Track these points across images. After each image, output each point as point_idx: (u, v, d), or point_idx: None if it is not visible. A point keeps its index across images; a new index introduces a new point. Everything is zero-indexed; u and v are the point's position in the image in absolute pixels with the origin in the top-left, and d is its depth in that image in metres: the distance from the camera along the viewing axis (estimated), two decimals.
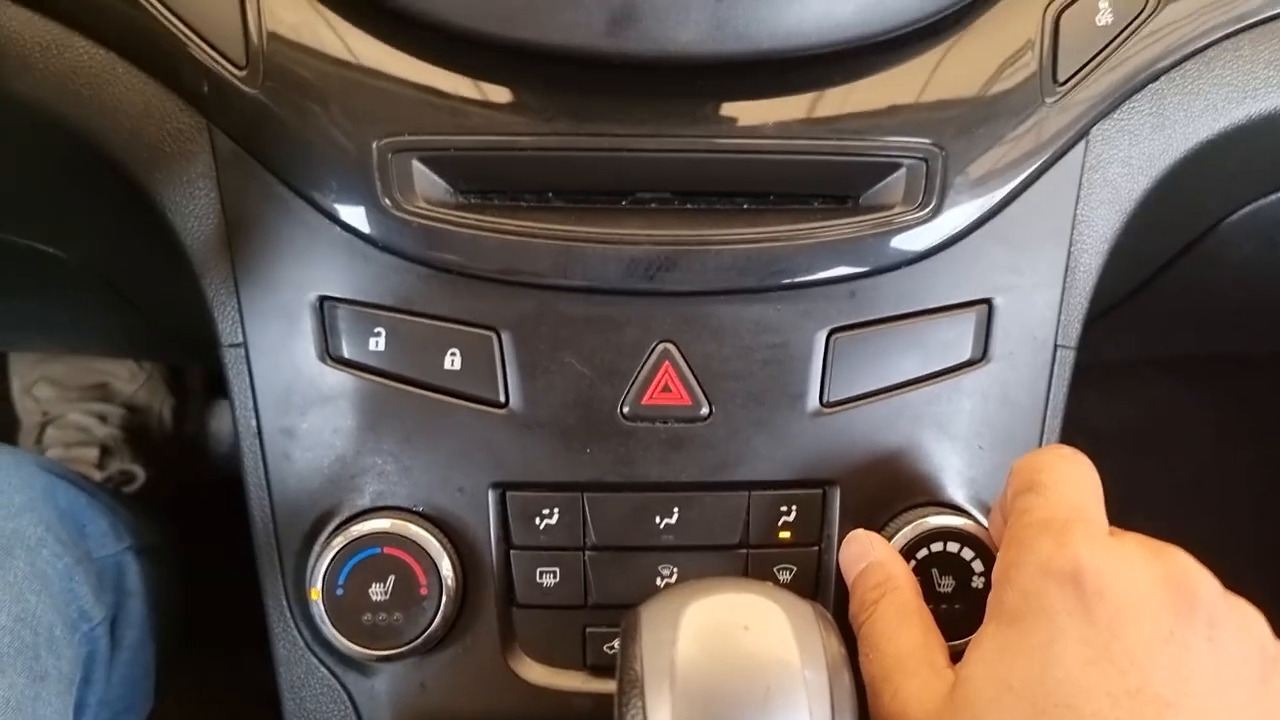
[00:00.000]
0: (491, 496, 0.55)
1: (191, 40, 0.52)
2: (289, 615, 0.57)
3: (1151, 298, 0.75)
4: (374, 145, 0.51)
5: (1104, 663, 0.40)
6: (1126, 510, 0.47)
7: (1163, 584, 0.42)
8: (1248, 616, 0.43)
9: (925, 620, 0.49)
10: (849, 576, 0.53)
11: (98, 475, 1.19)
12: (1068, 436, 0.57)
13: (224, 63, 0.52)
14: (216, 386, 1.28)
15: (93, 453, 1.20)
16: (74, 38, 0.53)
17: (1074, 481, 0.46)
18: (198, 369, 1.28)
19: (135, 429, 1.24)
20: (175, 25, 0.51)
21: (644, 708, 0.40)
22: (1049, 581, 0.42)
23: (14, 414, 1.25)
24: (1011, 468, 0.49)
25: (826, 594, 0.56)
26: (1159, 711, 0.39)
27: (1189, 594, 0.41)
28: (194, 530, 0.98)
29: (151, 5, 0.51)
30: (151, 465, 1.23)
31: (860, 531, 0.54)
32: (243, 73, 0.52)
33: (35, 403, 1.23)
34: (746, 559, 0.56)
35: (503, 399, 0.54)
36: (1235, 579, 0.44)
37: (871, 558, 0.52)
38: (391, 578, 0.54)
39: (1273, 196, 0.65)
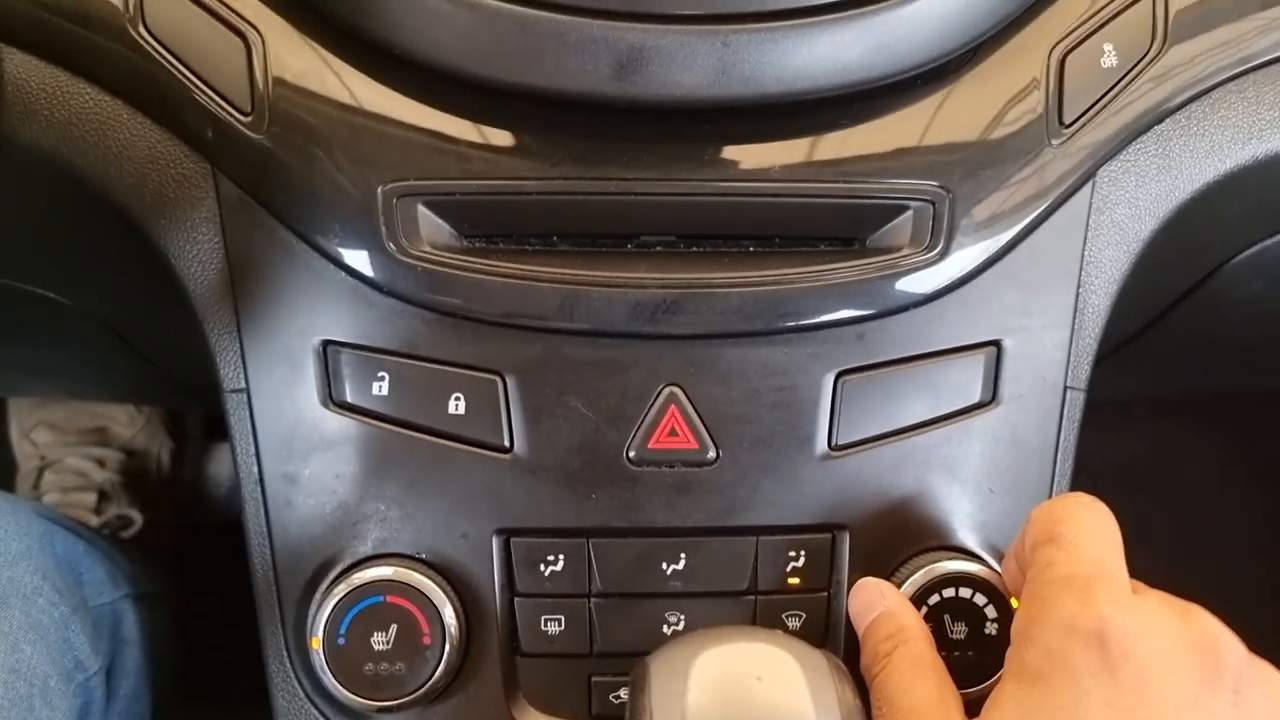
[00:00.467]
0: (496, 543, 0.54)
1: (197, 86, 0.51)
2: (289, 665, 0.56)
3: (1158, 337, 0.75)
4: (379, 190, 0.51)
5: None
6: (1130, 549, 0.46)
7: (1189, 647, 0.41)
8: (1274, 681, 0.42)
9: (940, 673, 0.48)
10: (859, 626, 0.52)
11: (95, 520, 1.18)
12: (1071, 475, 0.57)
13: (229, 109, 0.52)
14: (216, 430, 1.27)
15: (90, 497, 1.19)
16: (79, 84, 0.53)
17: (1095, 533, 0.46)
18: (197, 413, 1.27)
19: (133, 473, 1.23)
20: (181, 72, 0.51)
21: None
22: (1073, 641, 0.41)
23: (12, 459, 1.24)
24: (1029, 516, 0.48)
25: (837, 641, 0.55)
26: None
27: (1215, 657, 0.41)
28: (193, 576, 0.97)
29: (157, 52, 0.51)
30: (149, 510, 1.22)
31: (869, 580, 0.53)
32: (248, 119, 0.51)
33: (33, 447, 1.23)
34: (755, 605, 0.55)
35: (507, 444, 0.53)
36: (1242, 619, 0.44)
37: (882, 607, 0.51)
38: (394, 626, 0.53)
39: (1279, 236, 0.65)
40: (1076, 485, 0.51)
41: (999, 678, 0.53)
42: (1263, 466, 1.30)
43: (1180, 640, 0.41)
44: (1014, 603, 0.52)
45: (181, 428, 1.28)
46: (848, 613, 0.53)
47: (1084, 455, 0.56)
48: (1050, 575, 0.44)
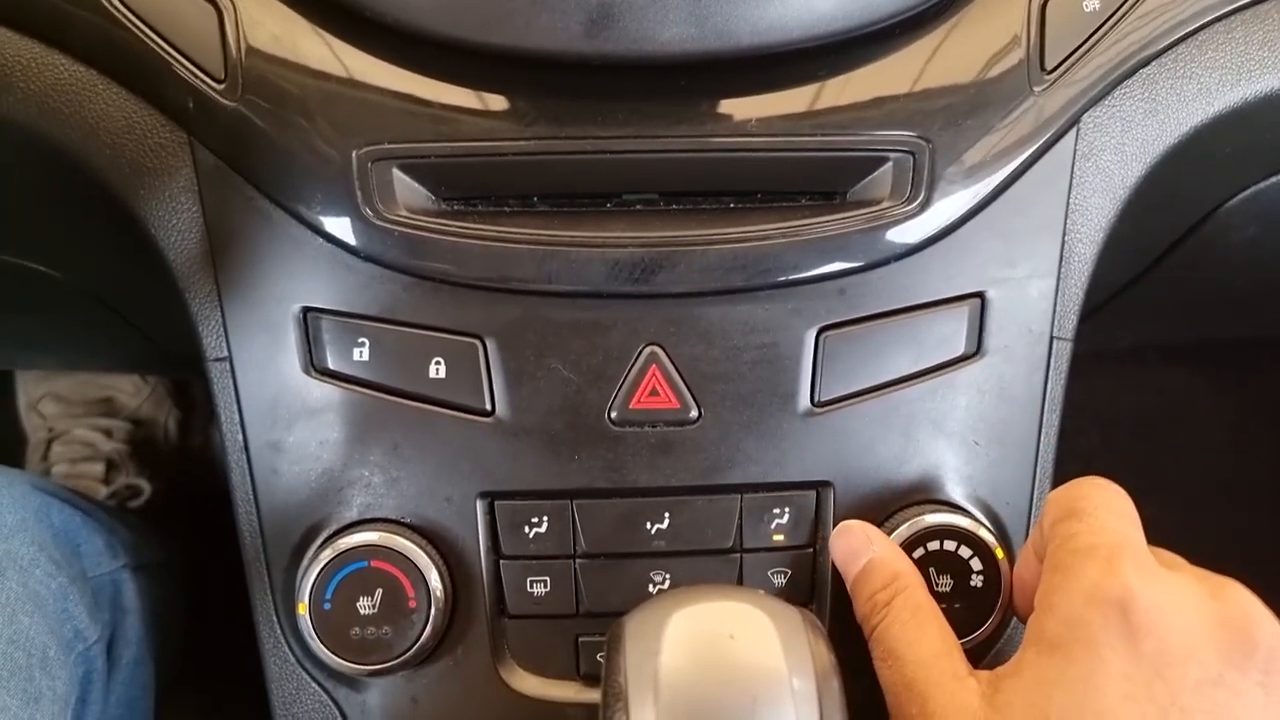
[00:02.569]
0: (480, 506, 0.54)
1: (170, 55, 0.51)
2: (279, 631, 0.57)
3: (1154, 284, 0.74)
4: (354, 155, 0.51)
5: (1144, 701, 0.39)
6: (1141, 499, 0.46)
7: (1218, 625, 0.40)
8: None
9: (940, 621, 0.48)
10: (847, 573, 0.52)
11: (104, 490, 1.19)
12: (1078, 425, 0.56)
13: (203, 77, 0.51)
14: None
15: (98, 468, 1.20)
16: (54, 56, 0.52)
17: (1116, 509, 0.45)
18: (201, 380, 1.28)
19: (141, 443, 1.24)
20: (154, 41, 0.51)
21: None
22: (1094, 609, 0.41)
23: (20, 431, 1.25)
24: (1047, 498, 0.48)
25: (822, 597, 0.55)
26: None
27: (1246, 636, 0.40)
28: (201, 544, 0.98)
29: (130, 21, 0.51)
30: (158, 478, 1.23)
31: (853, 523, 0.53)
32: (222, 86, 0.51)
33: (41, 419, 1.24)
34: (740, 563, 0.55)
35: (489, 407, 0.53)
36: (1254, 569, 0.43)
37: (871, 553, 0.51)
38: (379, 591, 0.53)
39: (1273, 179, 0.64)
40: (1089, 435, 0.50)
41: (991, 628, 0.53)
42: (1273, 414, 1.29)
43: (1208, 617, 0.40)
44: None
45: (187, 396, 1.29)
46: (832, 559, 0.53)
47: (1097, 405, 0.55)
48: (1073, 545, 0.43)
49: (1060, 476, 0.51)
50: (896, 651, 0.47)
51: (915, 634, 0.47)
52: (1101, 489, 0.46)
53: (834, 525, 0.54)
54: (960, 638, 0.51)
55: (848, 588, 0.51)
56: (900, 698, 0.46)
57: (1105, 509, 0.45)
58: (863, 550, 0.51)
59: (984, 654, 0.55)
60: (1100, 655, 0.40)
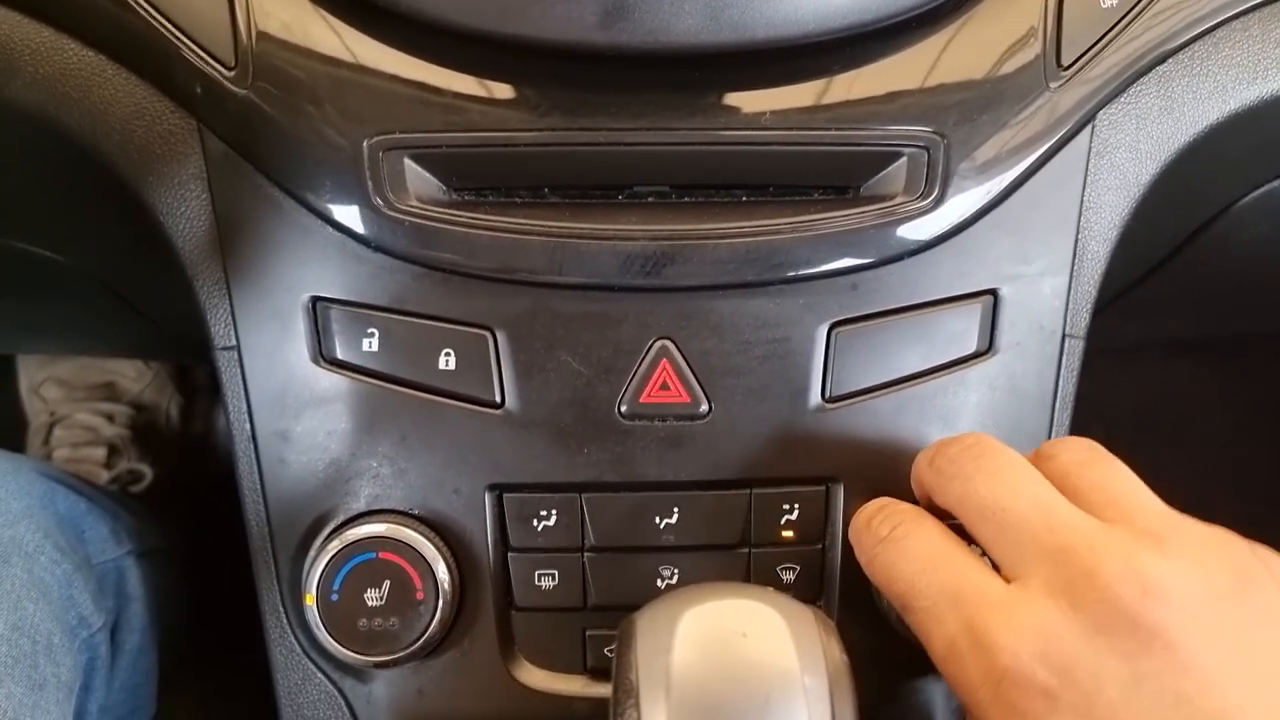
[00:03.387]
0: (488, 498, 0.54)
1: (180, 41, 0.51)
2: (285, 621, 0.57)
3: (1164, 281, 0.73)
4: (365, 144, 0.50)
5: None
6: None
7: (1095, 633, 0.39)
8: (1206, 548, 0.40)
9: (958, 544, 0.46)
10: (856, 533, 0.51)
11: (105, 475, 1.19)
12: (1083, 420, 0.56)
13: (213, 63, 0.51)
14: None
15: (100, 452, 1.20)
16: (63, 40, 0.52)
17: (925, 568, 0.44)
18: (204, 366, 1.28)
19: (143, 428, 1.24)
20: (164, 26, 0.51)
21: (639, 717, 0.39)
22: (1003, 699, 0.40)
23: (22, 415, 1.25)
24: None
25: (831, 594, 0.55)
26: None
27: (1127, 625, 0.39)
28: (203, 528, 0.98)
29: (140, 6, 0.51)
30: (160, 463, 1.23)
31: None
32: (232, 73, 0.51)
33: (43, 403, 1.23)
34: (748, 559, 0.55)
35: (498, 399, 0.53)
36: None
37: (888, 502, 0.50)
38: (387, 582, 0.53)
39: None
40: (1093, 430, 0.50)
41: None
42: (1278, 410, 1.29)
43: (1083, 632, 0.39)
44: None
45: (189, 381, 1.29)
46: (847, 536, 0.53)
47: (1099, 400, 0.55)
48: (938, 652, 0.43)
49: None
50: (905, 582, 0.46)
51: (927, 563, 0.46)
52: (894, 545, 0.46)
53: (843, 521, 0.54)
54: None
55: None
56: (926, 628, 0.44)
57: (918, 576, 0.44)
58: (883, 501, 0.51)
59: None
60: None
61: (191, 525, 1.01)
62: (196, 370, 1.29)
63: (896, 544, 0.46)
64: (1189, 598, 0.39)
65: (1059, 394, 0.56)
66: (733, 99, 0.51)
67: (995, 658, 0.40)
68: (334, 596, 0.53)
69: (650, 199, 0.53)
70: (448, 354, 0.53)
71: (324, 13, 0.51)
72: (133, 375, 1.24)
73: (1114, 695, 0.38)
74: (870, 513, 0.49)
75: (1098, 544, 0.41)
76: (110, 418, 1.22)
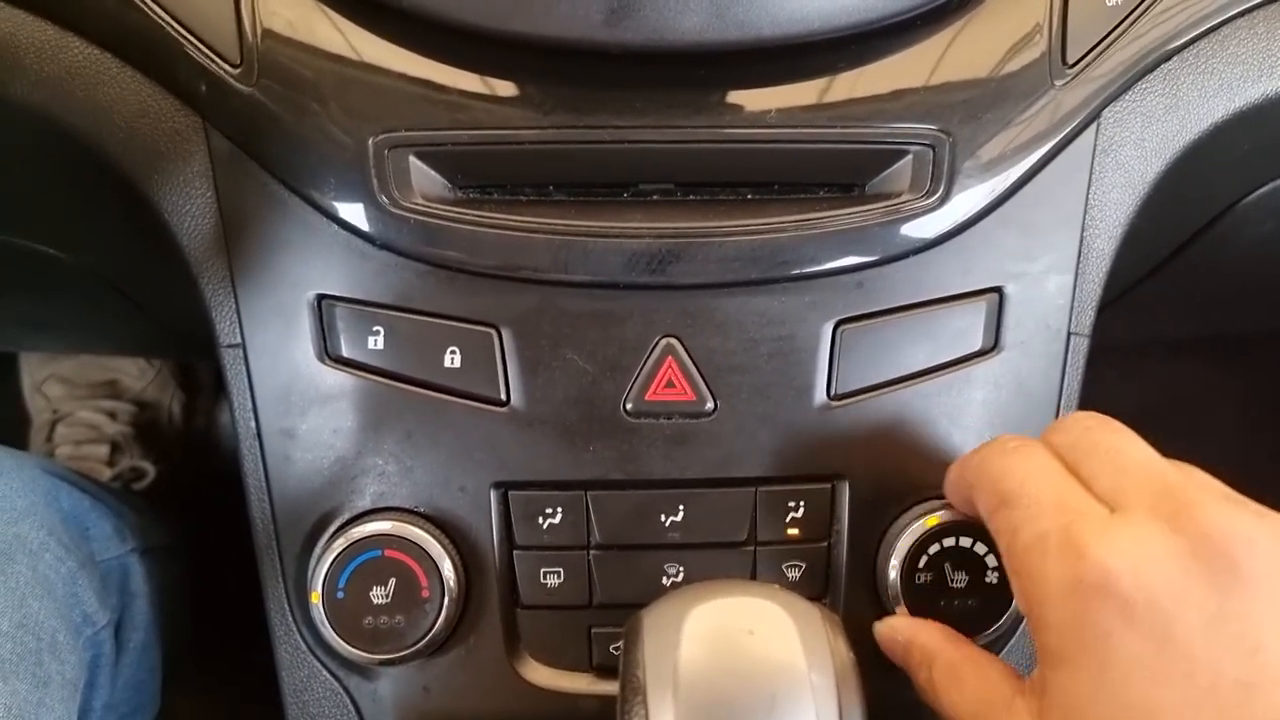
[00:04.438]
0: (494, 496, 0.54)
1: (186, 39, 0.51)
2: (291, 618, 0.57)
3: (1169, 279, 0.73)
4: (370, 141, 0.50)
5: (1167, 673, 0.38)
6: None
7: (1190, 558, 0.38)
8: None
9: (974, 670, 0.47)
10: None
11: (108, 472, 1.19)
12: None
13: (219, 61, 0.51)
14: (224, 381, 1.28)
15: (103, 450, 1.20)
16: (68, 39, 0.52)
17: (1037, 474, 0.44)
18: (207, 364, 1.28)
19: (145, 425, 1.24)
20: (169, 24, 0.51)
21: (647, 715, 0.39)
22: (1077, 605, 0.39)
23: (24, 412, 1.25)
24: (970, 469, 0.47)
25: (836, 591, 0.55)
26: (1241, 699, 0.37)
27: (1223, 559, 0.38)
28: (205, 526, 0.98)
29: (145, 4, 0.51)
30: (162, 461, 1.23)
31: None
32: (237, 71, 0.51)
33: (45, 400, 1.23)
34: (754, 556, 0.55)
35: (504, 397, 0.53)
36: None
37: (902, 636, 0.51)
38: (393, 580, 0.53)
39: None
40: None
41: (1007, 624, 0.53)
42: None
43: (1180, 555, 0.38)
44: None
45: (192, 379, 1.29)
46: (852, 534, 0.54)
47: (1102, 399, 0.55)
48: (1023, 541, 0.42)
49: None
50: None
51: (956, 693, 0.47)
52: (1015, 454, 0.45)
53: (849, 519, 0.54)
54: (976, 634, 0.52)
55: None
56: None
57: (1030, 480, 0.44)
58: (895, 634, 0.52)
59: (1002, 646, 0.56)
60: (1105, 648, 0.39)
61: (194, 523, 1.01)
62: (199, 368, 1.29)
63: (1018, 453, 0.46)
64: (1277, 557, 0.39)
65: (1064, 392, 0.56)
66: (738, 97, 0.51)
67: (1083, 560, 0.40)
68: (339, 594, 0.53)
69: (655, 197, 0.53)
70: (453, 352, 0.53)
71: (329, 10, 0.51)
72: (135, 373, 1.24)
73: (1193, 624, 0.38)
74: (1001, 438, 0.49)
75: (1202, 488, 0.41)
76: (113, 415, 1.22)
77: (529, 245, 0.51)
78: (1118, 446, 0.44)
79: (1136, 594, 0.38)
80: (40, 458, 0.77)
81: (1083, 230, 0.54)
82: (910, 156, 0.51)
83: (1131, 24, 0.53)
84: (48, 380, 1.23)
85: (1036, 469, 0.44)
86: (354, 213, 0.51)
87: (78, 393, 1.23)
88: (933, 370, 0.54)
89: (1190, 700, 0.37)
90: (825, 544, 0.55)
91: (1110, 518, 0.41)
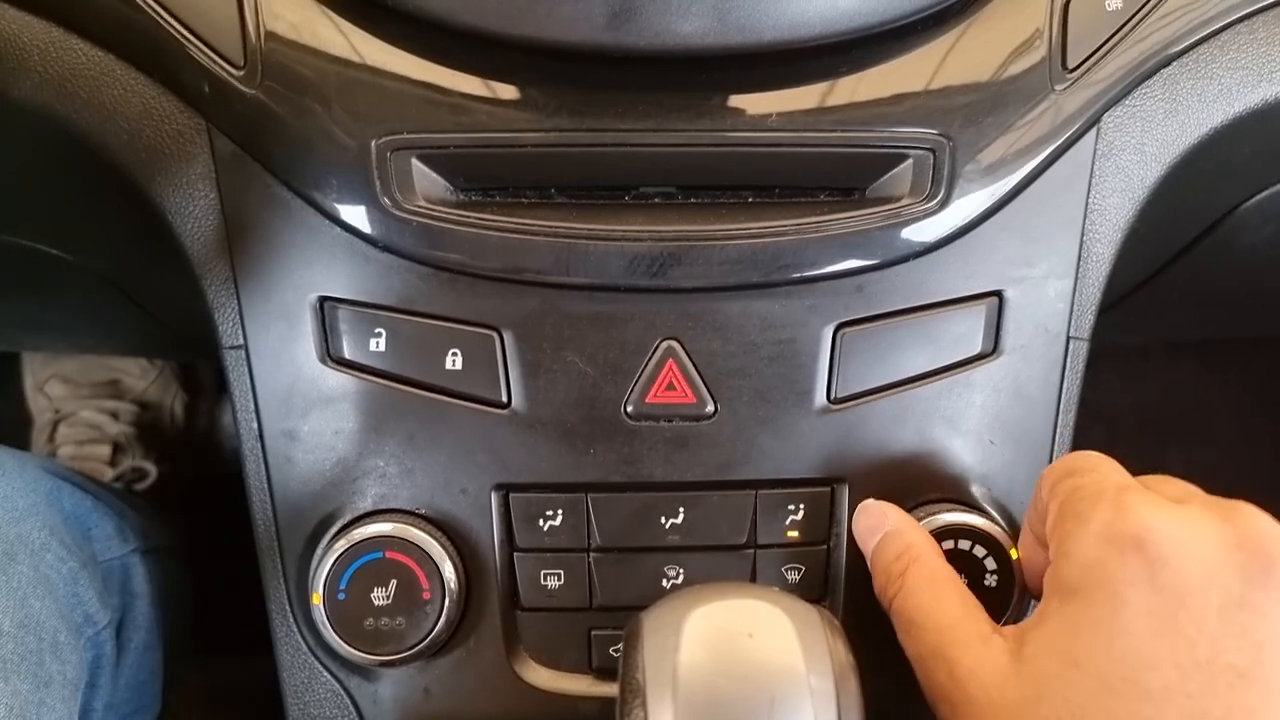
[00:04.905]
0: (494, 498, 0.54)
1: (189, 41, 0.51)
2: (292, 619, 0.57)
3: (1168, 284, 0.74)
4: (372, 144, 0.51)
5: (1171, 634, 0.39)
6: None
7: (1233, 547, 0.40)
8: None
9: (958, 585, 0.47)
10: (866, 549, 0.52)
11: (110, 472, 1.19)
12: (1083, 422, 0.56)
13: (222, 63, 0.51)
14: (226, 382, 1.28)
15: (105, 450, 1.20)
16: (72, 40, 0.52)
17: (1112, 464, 0.45)
18: (208, 365, 1.28)
19: (147, 425, 1.24)
20: (173, 26, 0.51)
21: (646, 717, 0.40)
22: (1109, 549, 0.41)
23: (26, 412, 1.25)
24: (1040, 475, 0.48)
25: (836, 594, 0.55)
26: (1231, 683, 0.38)
27: (1263, 556, 0.40)
28: (206, 527, 0.98)
29: (149, 6, 0.51)
30: (164, 461, 1.23)
31: (871, 501, 0.53)
32: (241, 73, 0.51)
33: (47, 400, 1.23)
34: (754, 559, 0.55)
35: (505, 399, 0.53)
36: None
37: (887, 527, 0.51)
38: (394, 582, 0.53)
39: None
40: (1094, 432, 0.50)
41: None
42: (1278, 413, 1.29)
43: (1224, 540, 0.40)
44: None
45: (194, 379, 1.29)
46: (852, 536, 0.54)
47: (1101, 401, 0.55)
48: (1080, 495, 0.43)
49: None
50: (916, 620, 0.46)
51: (932, 601, 0.47)
52: (1094, 454, 0.46)
53: (848, 522, 0.54)
54: None
55: (869, 565, 0.52)
56: (927, 665, 0.45)
57: (1103, 462, 0.45)
58: (879, 526, 0.52)
59: None
60: (1121, 594, 0.40)
61: (195, 524, 1.01)
62: (201, 368, 1.29)
63: (1096, 456, 0.47)
64: None
65: (1063, 396, 0.56)
66: (739, 100, 0.51)
67: (1128, 513, 0.41)
68: (341, 595, 0.53)
69: (656, 200, 0.53)
70: (455, 354, 0.53)
71: (333, 13, 0.51)
72: (137, 373, 1.24)
73: (1211, 601, 0.39)
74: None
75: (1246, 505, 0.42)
76: (115, 415, 1.22)
77: (530, 248, 0.51)
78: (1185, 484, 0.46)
79: (1170, 556, 0.40)
80: (42, 458, 0.77)
81: (1083, 235, 0.55)
82: (910, 161, 0.52)
83: (1131, 29, 0.53)
84: (50, 380, 1.23)
85: (1110, 462, 0.46)
86: (356, 215, 0.52)
87: (80, 393, 1.23)
88: (932, 374, 0.54)
89: (1182, 664, 0.38)
90: (825, 547, 0.55)
91: (1167, 499, 0.42)
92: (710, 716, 0.39)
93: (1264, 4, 0.54)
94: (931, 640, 0.46)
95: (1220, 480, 0.44)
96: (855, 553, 0.54)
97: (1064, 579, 0.42)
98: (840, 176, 0.53)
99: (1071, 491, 0.44)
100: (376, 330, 0.53)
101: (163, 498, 1.20)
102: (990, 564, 0.53)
